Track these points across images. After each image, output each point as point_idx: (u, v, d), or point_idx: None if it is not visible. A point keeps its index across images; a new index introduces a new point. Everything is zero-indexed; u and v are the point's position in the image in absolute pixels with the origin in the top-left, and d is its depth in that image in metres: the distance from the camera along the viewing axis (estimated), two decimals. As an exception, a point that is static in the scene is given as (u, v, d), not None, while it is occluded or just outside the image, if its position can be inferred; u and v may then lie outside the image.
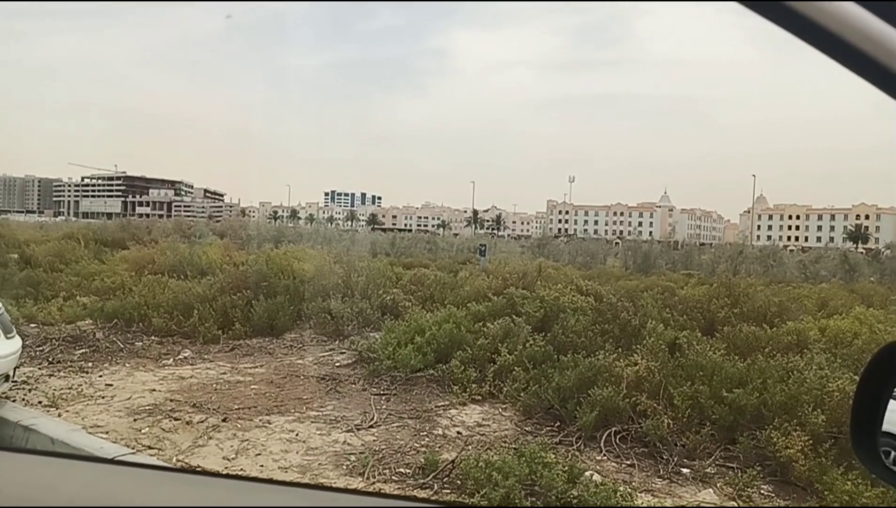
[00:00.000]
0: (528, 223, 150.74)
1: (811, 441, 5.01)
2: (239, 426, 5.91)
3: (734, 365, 6.37)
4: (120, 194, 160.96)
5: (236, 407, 6.40)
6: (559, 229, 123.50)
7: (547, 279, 12.19)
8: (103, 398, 6.63)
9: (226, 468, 5.01)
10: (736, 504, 4.76)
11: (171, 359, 8.29)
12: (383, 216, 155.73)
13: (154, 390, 6.93)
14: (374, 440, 5.68)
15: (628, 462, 5.39)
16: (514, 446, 5.42)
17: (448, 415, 6.45)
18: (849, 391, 5.17)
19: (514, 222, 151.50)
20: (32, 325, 9.62)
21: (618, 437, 5.74)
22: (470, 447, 5.53)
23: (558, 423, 6.13)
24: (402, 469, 5.06)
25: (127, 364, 7.97)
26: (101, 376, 7.46)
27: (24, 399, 6.46)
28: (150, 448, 5.41)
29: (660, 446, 5.52)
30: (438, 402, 6.81)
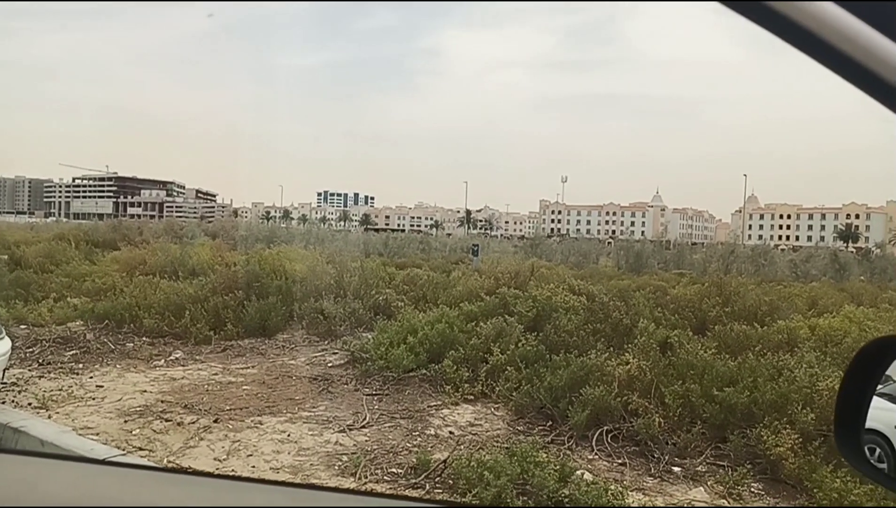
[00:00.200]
0: (520, 223, 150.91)
1: (801, 439, 5.03)
2: (230, 426, 5.90)
3: (725, 364, 6.39)
4: (111, 194, 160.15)
5: (228, 408, 6.38)
6: (552, 229, 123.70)
7: (539, 279, 12.20)
8: (94, 399, 6.60)
9: (217, 469, 4.99)
10: (726, 503, 4.78)
11: (163, 360, 8.26)
12: (376, 216, 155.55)
13: (145, 391, 6.90)
14: (366, 441, 5.67)
15: (620, 461, 5.41)
16: (505, 445, 5.42)
17: (440, 415, 6.45)
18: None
19: (506, 222, 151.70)
20: (22, 326, 9.57)
21: (609, 436, 5.75)
22: (462, 446, 5.54)
23: (550, 422, 6.14)
24: (393, 469, 5.06)
25: (118, 365, 7.94)
26: (91, 377, 7.42)
27: (13, 401, 6.43)
28: (140, 449, 5.39)
29: (651, 444, 5.54)
30: (431, 402, 6.81)
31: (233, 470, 4.97)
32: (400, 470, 5.04)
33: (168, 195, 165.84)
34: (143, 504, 1.26)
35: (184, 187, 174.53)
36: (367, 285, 11.52)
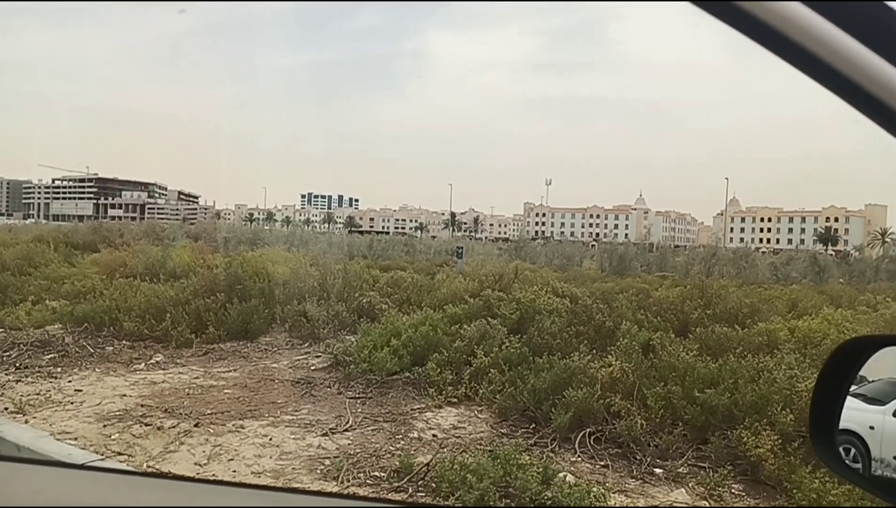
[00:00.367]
0: (505, 226, 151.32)
1: (780, 441, 5.08)
2: (211, 431, 5.84)
3: (706, 366, 6.44)
4: (92, 196, 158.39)
5: (209, 412, 6.33)
6: (536, 232, 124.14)
7: (523, 281, 12.24)
8: (72, 403, 6.51)
9: (198, 473, 4.95)
10: (707, 504, 4.81)
11: (143, 363, 8.17)
12: (360, 218, 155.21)
13: (125, 395, 6.82)
14: (348, 444, 5.65)
15: (602, 463, 5.43)
16: (489, 448, 5.42)
17: (424, 418, 6.44)
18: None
19: (491, 225, 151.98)
20: (-1, 330, 9.42)
21: (592, 438, 5.77)
22: (445, 449, 5.52)
23: (534, 425, 6.15)
24: (376, 473, 5.04)
25: (97, 369, 7.84)
26: (70, 381, 7.32)
27: (-11, 406, 6.32)
28: (120, 454, 5.32)
29: (633, 446, 5.57)
30: (414, 405, 6.79)
31: (213, 475, 4.93)
32: (383, 474, 5.02)
33: (149, 197, 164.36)
34: None
35: (166, 189, 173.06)
36: (351, 288, 11.48)
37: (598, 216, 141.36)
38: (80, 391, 6.94)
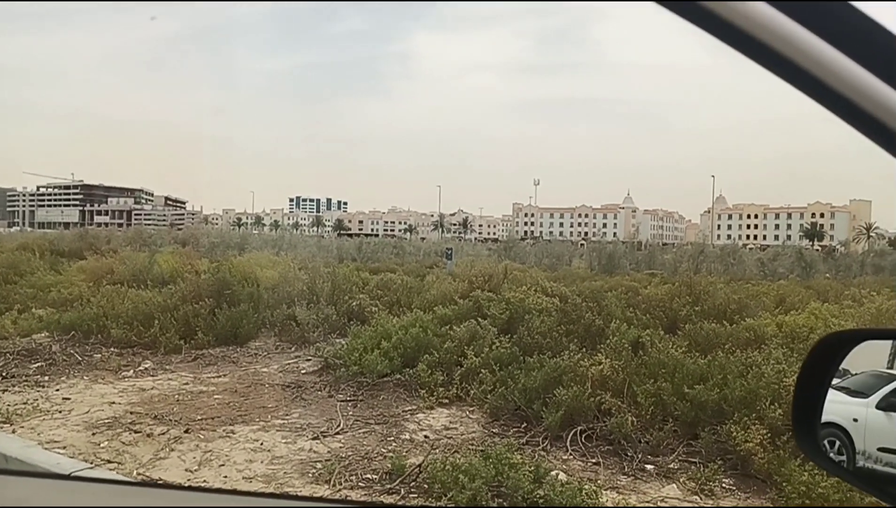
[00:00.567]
0: (494, 226, 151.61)
1: (769, 435, 5.12)
2: (202, 436, 5.81)
3: (695, 362, 6.48)
4: (77, 203, 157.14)
5: (199, 418, 6.29)
6: (525, 232, 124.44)
7: (513, 282, 12.27)
8: (60, 412, 6.45)
9: (188, 480, 4.92)
10: (699, 499, 4.84)
11: (132, 370, 8.11)
12: (349, 221, 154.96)
13: (113, 402, 6.77)
14: (340, 447, 5.63)
15: (594, 461, 5.45)
16: (480, 448, 5.42)
17: (415, 419, 6.44)
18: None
19: (480, 226, 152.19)
20: (-15, 339, 9.32)
21: (583, 436, 5.79)
22: (437, 450, 5.52)
23: (525, 424, 6.16)
24: (368, 475, 5.03)
25: (85, 377, 7.77)
26: (58, 389, 7.25)
27: (-25, 416, 6.24)
28: (109, 462, 5.27)
29: (624, 443, 5.59)
30: (406, 406, 6.79)
31: (204, 481, 4.90)
32: (375, 476, 5.02)
33: (136, 203, 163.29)
34: None
35: (152, 195, 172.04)
36: (341, 291, 11.47)
37: (586, 216, 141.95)
38: (69, 399, 6.88)
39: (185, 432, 5.89)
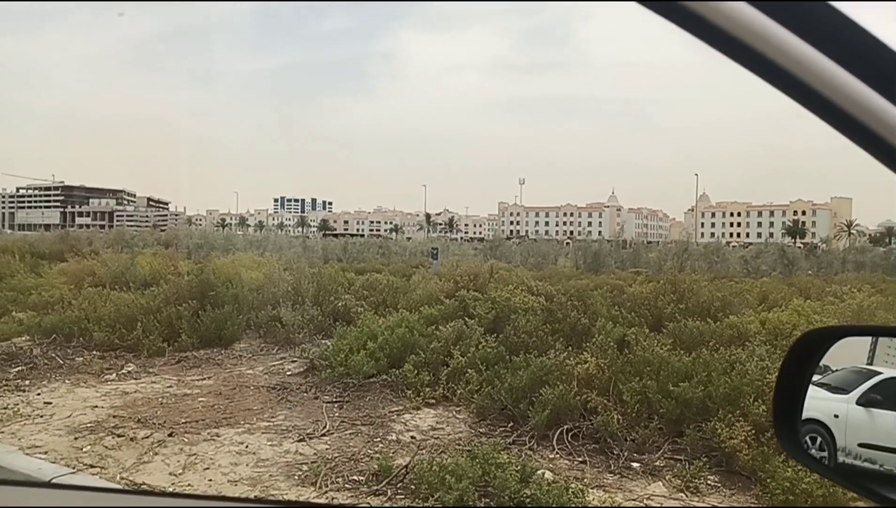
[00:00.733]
0: (480, 225, 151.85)
1: (753, 431, 5.16)
2: (186, 440, 5.76)
3: (680, 360, 6.51)
4: (58, 204, 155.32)
5: (183, 421, 6.23)
6: (511, 231, 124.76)
7: (499, 281, 12.28)
8: (41, 416, 6.36)
9: (172, 483, 4.87)
10: (685, 496, 4.87)
11: (114, 374, 8.02)
12: (335, 222, 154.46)
13: (96, 406, 6.69)
14: (326, 449, 5.61)
15: (580, 459, 5.47)
16: (467, 448, 5.42)
17: (402, 420, 6.42)
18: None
19: (466, 225, 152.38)
20: (-36, 344, 9.17)
21: (570, 434, 5.81)
22: (424, 451, 5.51)
23: (512, 423, 6.17)
24: (355, 477, 5.01)
25: (67, 381, 7.68)
26: (39, 394, 7.16)
27: (-46, 422, 6.15)
28: (92, 466, 5.21)
29: (610, 441, 5.62)
30: (392, 407, 6.77)
31: (189, 485, 4.85)
32: (361, 478, 5.00)
33: (118, 204, 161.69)
34: None
35: (134, 196, 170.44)
36: (326, 292, 11.41)
37: (571, 214, 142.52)
38: (50, 403, 6.79)
39: (169, 435, 5.83)
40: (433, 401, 6.84)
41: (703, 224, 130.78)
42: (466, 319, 8.54)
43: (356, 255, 31.17)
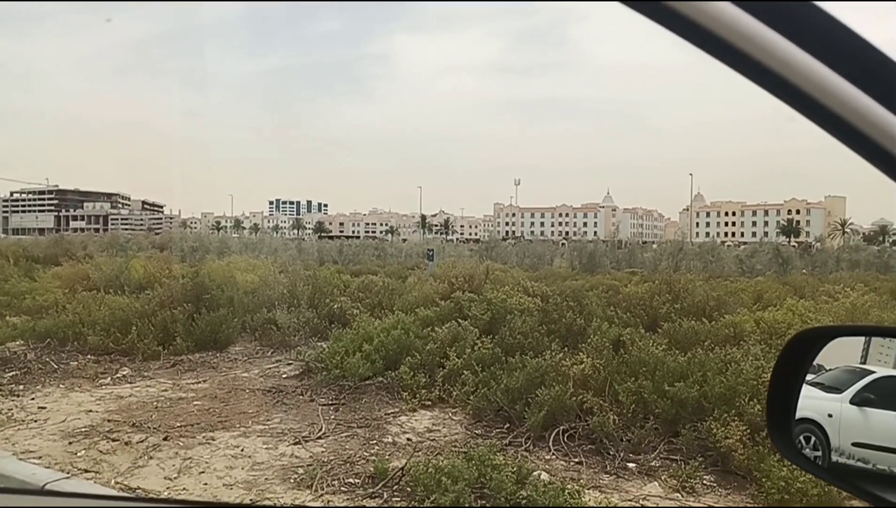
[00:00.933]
0: (476, 226, 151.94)
1: (749, 431, 5.16)
2: (181, 444, 5.74)
3: (675, 360, 6.52)
4: (52, 208, 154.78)
5: (178, 425, 6.21)
6: (507, 232, 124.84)
7: (494, 282, 12.27)
8: (36, 421, 6.33)
9: (168, 488, 4.85)
10: (680, 496, 4.87)
11: (109, 378, 7.99)
12: (330, 224, 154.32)
13: (91, 410, 6.66)
14: (322, 452, 5.59)
15: (576, 460, 5.46)
16: (463, 450, 5.42)
17: (398, 422, 6.41)
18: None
19: (462, 226, 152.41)
20: (-43, 349, 9.13)
21: (566, 435, 5.81)
22: (420, 453, 5.50)
23: (508, 424, 6.16)
24: (351, 480, 5.00)
25: (61, 385, 7.64)
26: (33, 398, 7.13)
27: (-53, 428, 6.11)
28: (86, 471, 5.19)
29: (606, 442, 5.62)
30: (388, 409, 6.76)
31: (184, 489, 4.83)
32: (357, 480, 4.98)
33: (113, 207, 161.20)
34: None
35: (129, 199, 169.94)
36: (322, 294, 11.40)
37: (567, 215, 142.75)
38: (44, 408, 6.76)
39: (164, 439, 5.81)
40: (429, 403, 6.83)
41: (698, 224, 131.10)
42: (462, 320, 8.52)
43: (352, 257, 31.14)
